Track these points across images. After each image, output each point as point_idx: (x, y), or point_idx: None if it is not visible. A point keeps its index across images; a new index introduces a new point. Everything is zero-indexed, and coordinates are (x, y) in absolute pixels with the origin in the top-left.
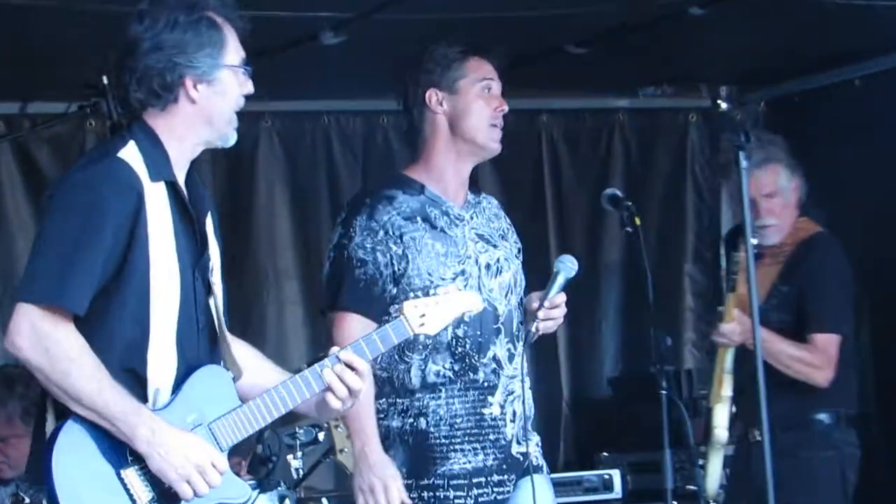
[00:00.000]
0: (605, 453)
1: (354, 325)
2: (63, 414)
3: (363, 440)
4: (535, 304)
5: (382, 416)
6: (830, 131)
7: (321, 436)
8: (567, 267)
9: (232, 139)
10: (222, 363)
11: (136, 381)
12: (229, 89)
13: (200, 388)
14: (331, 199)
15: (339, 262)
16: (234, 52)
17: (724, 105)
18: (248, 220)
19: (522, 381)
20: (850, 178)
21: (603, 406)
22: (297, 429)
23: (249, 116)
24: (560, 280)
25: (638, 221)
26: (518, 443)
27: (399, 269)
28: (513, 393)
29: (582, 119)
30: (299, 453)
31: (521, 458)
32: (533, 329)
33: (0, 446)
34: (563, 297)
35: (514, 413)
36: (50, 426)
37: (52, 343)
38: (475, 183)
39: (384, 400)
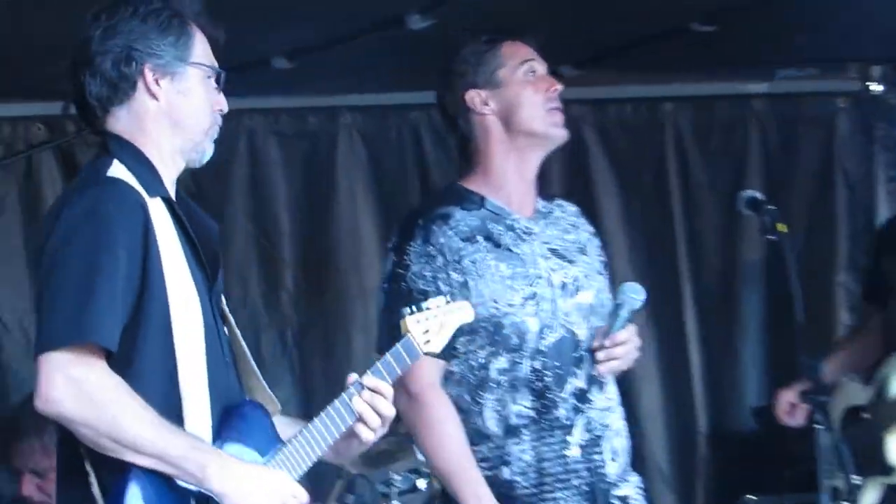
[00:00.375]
0: (751, 496)
1: (425, 366)
2: (100, 463)
3: (474, 492)
4: (595, 342)
5: None
6: None
7: (421, 483)
8: (630, 299)
9: (208, 153)
10: (248, 397)
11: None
12: (195, 91)
13: (244, 427)
14: (425, 196)
15: (398, 295)
16: (202, 53)
17: (877, 88)
18: (327, 231)
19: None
20: None
21: (747, 440)
22: (392, 475)
23: (325, 113)
24: (623, 314)
25: (782, 228)
26: (617, 485)
27: (462, 300)
28: (608, 427)
29: (711, 108)
30: (395, 503)
31: None
32: (594, 373)
33: (39, 483)
34: (628, 333)
35: (614, 451)
36: (94, 486)
37: (94, 389)
38: (561, 185)
39: None
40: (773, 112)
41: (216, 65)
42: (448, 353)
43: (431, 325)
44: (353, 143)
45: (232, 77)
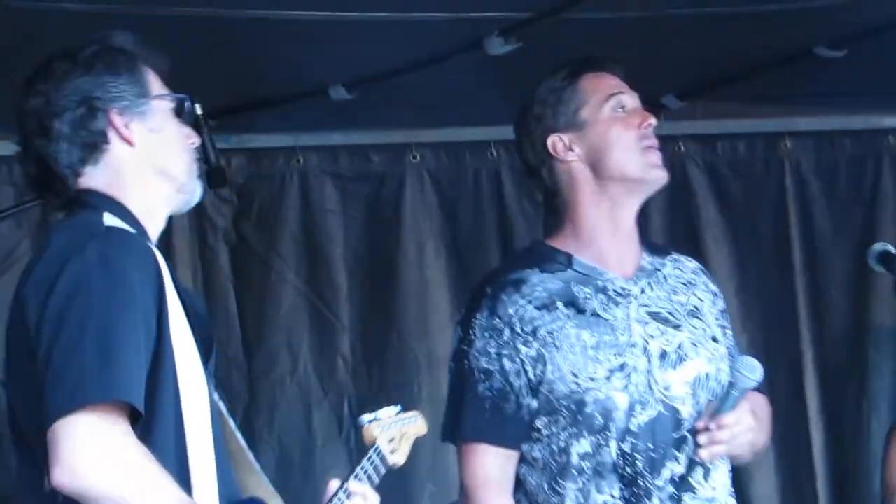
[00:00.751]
0: None
1: (486, 460)
2: None
3: None
4: (700, 424)
5: None
6: None
7: None
8: (742, 377)
9: (197, 194)
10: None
11: None
12: (166, 127)
13: None
14: (504, 258)
15: (460, 376)
16: (158, 85)
17: None
18: (391, 287)
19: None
20: None
21: None
22: None
23: (391, 151)
24: (734, 393)
25: None
26: None
27: (535, 376)
28: None
29: (840, 145)
30: None
31: None
32: (696, 457)
33: None
34: (738, 415)
35: None
36: None
37: (129, 455)
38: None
39: None
40: None
41: (173, 94)
42: (528, 435)
43: (394, 433)
44: (423, 187)
45: (285, 109)
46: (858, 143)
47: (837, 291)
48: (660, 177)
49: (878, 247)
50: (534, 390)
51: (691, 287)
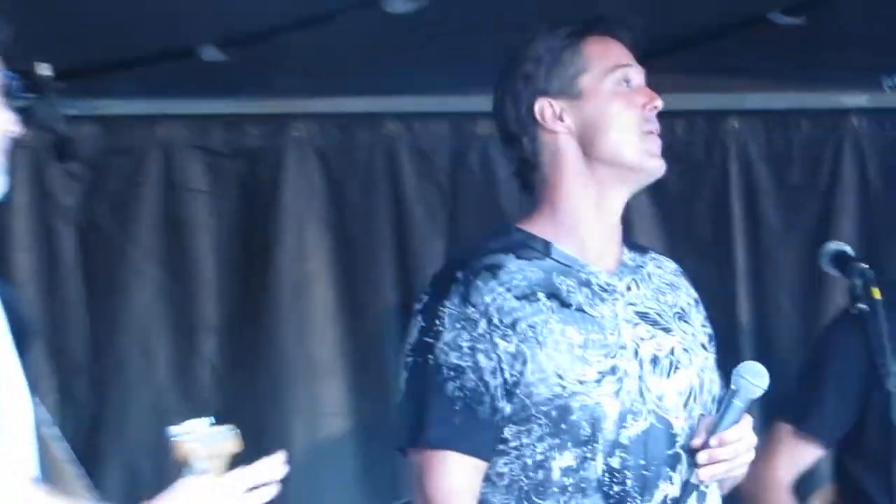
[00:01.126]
0: None
1: (454, 470)
2: None
3: None
4: (697, 440)
5: None
6: None
7: None
8: (748, 384)
9: (2, 187)
10: None
11: None
12: None
13: None
14: (398, 251)
15: (423, 373)
16: None
17: None
18: (267, 282)
19: None
20: None
21: None
22: None
23: (269, 122)
24: (737, 403)
25: (878, 295)
26: None
27: (512, 376)
28: None
29: (794, 126)
30: None
31: None
32: (693, 479)
33: None
34: (741, 430)
35: None
36: None
37: None
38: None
39: None
40: (874, 133)
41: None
42: (492, 448)
43: (210, 450)
44: (306, 165)
45: (145, 73)
46: (816, 124)
47: (786, 297)
48: (657, 167)
49: (833, 247)
50: (509, 393)
51: (675, 289)
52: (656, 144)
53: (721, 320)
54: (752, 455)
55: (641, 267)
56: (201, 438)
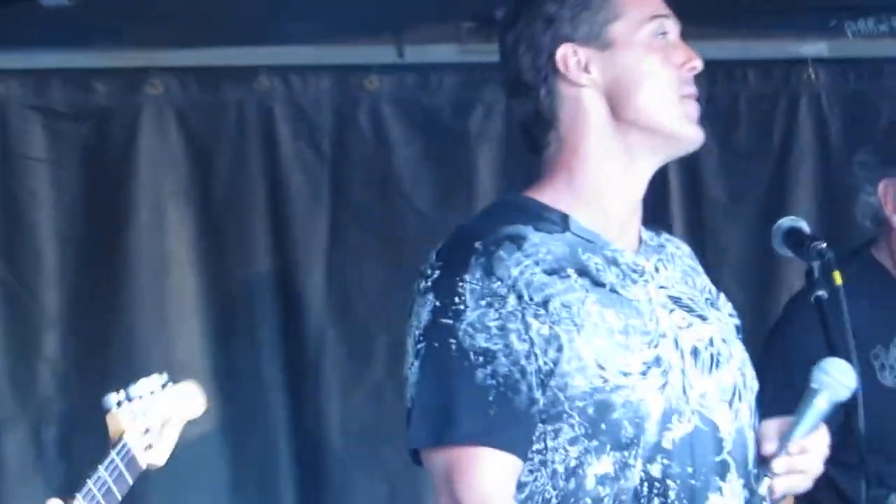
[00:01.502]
0: None
1: (491, 470)
2: None
3: None
4: (771, 446)
5: None
6: None
7: None
8: (834, 383)
9: None
10: None
11: None
12: None
13: None
14: (272, 227)
15: (444, 360)
16: None
17: None
18: (118, 265)
19: None
20: None
21: None
22: None
23: (121, 78)
24: (820, 405)
25: (839, 280)
26: None
27: (545, 364)
28: None
29: (740, 79)
30: None
31: None
32: (763, 489)
33: None
34: (821, 438)
35: None
36: None
37: None
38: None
39: None
40: (836, 87)
41: None
42: (530, 445)
43: (151, 420)
44: (164, 127)
45: None
46: (767, 76)
47: (733, 279)
48: (696, 137)
49: (786, 223)
50: (542, 383)
51: (697, 273)
52: (696, 110)
53: None
54: (820, 469)
55: (663, 247)
56: (143, 408)
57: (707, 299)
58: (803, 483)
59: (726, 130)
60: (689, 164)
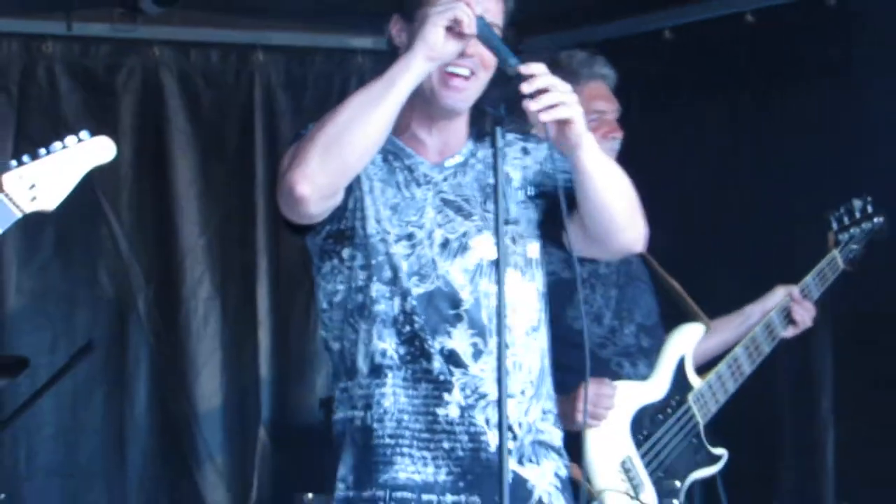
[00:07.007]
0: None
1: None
2: None
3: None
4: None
5: (335, 406)
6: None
7: None
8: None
9: None
10: None
11: None
12: None
13: None
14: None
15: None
16: None
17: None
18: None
19: (501, 382)
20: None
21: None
22: None
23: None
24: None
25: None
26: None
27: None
28: (485, 397)
29: (310, 61)
30: None
31: (521, 486)
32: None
33: None
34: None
35: (488, 421)
36: None
37: None
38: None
39: (336, 385)
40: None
41: None
42: (327, 266)
43: (41, 174)
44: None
45: None
46: (328, 60)
47: None
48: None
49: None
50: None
51: (500, 163)
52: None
53: (239, 221)
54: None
55: (475, 153)
56: (40, 168)
57: (487, 194)
58: (564, 111)
59: (297, 96)
60: (271, 120)
